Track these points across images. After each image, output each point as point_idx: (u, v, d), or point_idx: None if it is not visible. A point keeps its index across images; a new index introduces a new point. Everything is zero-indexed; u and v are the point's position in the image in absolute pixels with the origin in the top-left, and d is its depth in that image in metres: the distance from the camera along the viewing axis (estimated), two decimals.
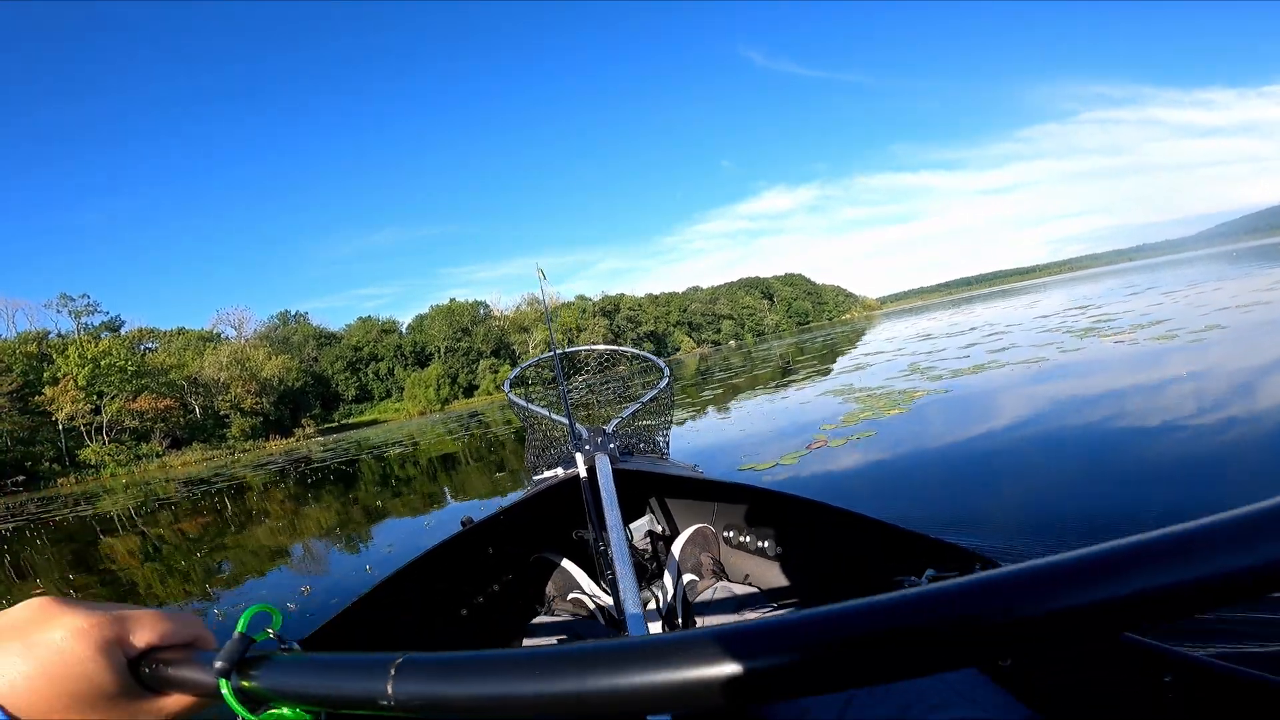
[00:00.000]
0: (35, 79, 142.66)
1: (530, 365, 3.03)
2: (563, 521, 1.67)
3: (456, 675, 0.32)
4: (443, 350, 73.04)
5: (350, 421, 66.62)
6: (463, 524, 1.53)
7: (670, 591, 1.46)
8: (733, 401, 9.15)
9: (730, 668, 0.26)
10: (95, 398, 46.23)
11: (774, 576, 1.47)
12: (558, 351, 2.45)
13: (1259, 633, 1.50)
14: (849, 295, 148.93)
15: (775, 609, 1.28)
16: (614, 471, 1.35)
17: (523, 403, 2.51)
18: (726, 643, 0.27)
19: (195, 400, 53.80)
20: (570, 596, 1.48)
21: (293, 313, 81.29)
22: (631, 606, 0.80)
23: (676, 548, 1.55)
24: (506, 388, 2.68)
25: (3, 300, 60.81)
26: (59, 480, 41.02)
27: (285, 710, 0.40)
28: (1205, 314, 7.78)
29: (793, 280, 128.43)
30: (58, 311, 60.62)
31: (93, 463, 44.45)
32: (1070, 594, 0.24)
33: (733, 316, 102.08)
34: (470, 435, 14.44)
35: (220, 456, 43.71)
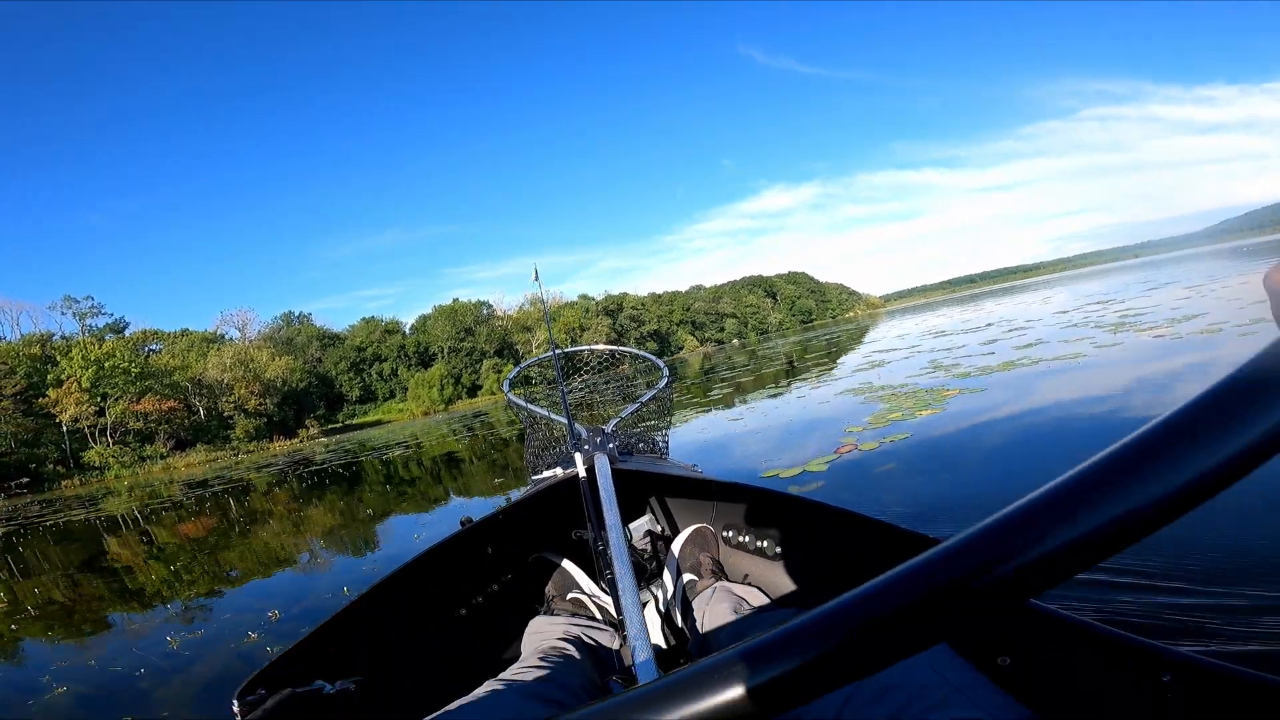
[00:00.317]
0: (41, 80, 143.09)
1: (530, 365, 3.00)
2: (562, 521, 1.66)
3: None
4: (446, 350, 72.91)
5: (354, 422, 66.50)
6: (462, 524, 1.50)
7: (669, 591, 1.47)
8: (743, 401, 8.82)
9: (716, 700, 0.27)
10: (99, 399, 46.18)
11: (773, 576, 1.46)
12: (557, 351, 2.44)
13: (1260, 633, 1.48)
14: (852, 293, 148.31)
15: (774, 608, 1.25)
16: (613, 471, 1.35)
17: (522, 402, 2.50)
18: (704, 680, 0.27)
19: (199, 401, 53.75)
20: (570, 596, 1.47)
21: (296, 314, 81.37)
22: (631, 606, 0.80)
23: (675, 547, 1.56)
24: (506, 387, 2.68)
25: (7, 302, 60.99)
26: (63, 482, 40.98)
27: None
28: (1242, 307, 7.41)
29: (796, 278, 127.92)
30: (62, 313, 60.80)
31: (97, 464, 44.42)
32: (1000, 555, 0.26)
33: (736, 315, 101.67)
34: (473, 436, 14.16)
35: (224, 458, 43.65)
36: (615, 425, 2.11)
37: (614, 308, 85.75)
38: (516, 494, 5.93)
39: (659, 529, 1.72)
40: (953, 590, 0.27)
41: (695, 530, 1.59)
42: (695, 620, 1.32)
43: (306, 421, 59.93)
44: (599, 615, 1.44)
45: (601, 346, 3.08)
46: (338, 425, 64.63)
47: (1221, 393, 0.25)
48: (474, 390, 70.02)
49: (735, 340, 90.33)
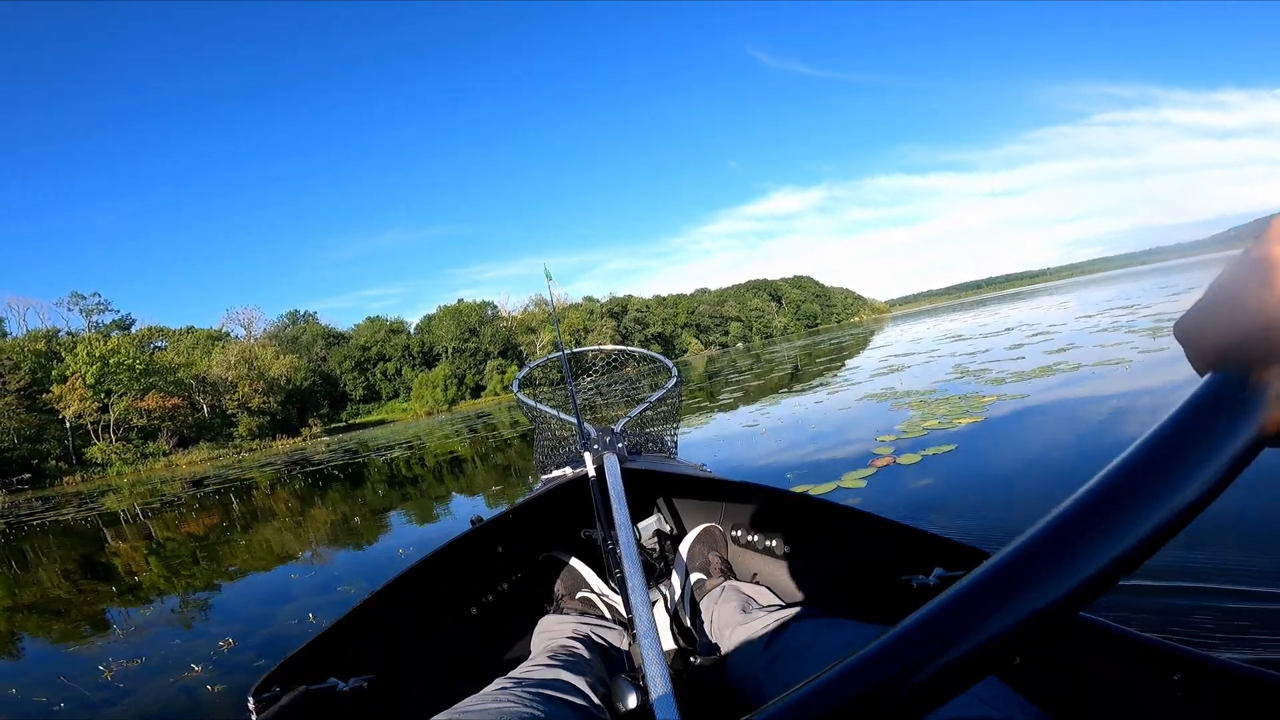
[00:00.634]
0: (52, 79, 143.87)
1: (538, 365, 2.98)
2: (571, 521, 1.63)
3: None
4: (450, 351, 72.75)
5: (358, 421, 66.35)
6: (472, 523, 1.47)
7: (678, 590, 1.47)
8: (756, 406, 8.42)
9: None
10: (103, 396, 46.09)
11: (782, 575, 1.46)
12: (565, 351, 2.43)
13: (1271, 632, 1.47)
14: (858, 298, 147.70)
15: (783, 608, 1.22)
16: (622, 470, 1.34)
17: (531, 402, 2.48)
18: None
19: (203, 399, 53.65)
20: (579, 595, 1.47)
21: (301, 312, 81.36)
22: (640, 605, 0.81)
23: (684, 547, 1.55)
24: (515, 387, 2.67)
25: (14, 299, 61.10)
26: (64, 479, 40.86)
27: None
28: None
29: (801, 282, 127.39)
30: (68, 310, 60.81)
31: (99, 461, 44.33)
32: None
33: (740, 319, 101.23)
34: (476, 436, 13.79)
35: (226, 456, 43.53)
36: (624, 425, 2.05)
37: (618, 310, 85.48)
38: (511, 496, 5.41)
39: (668, 528, 1.70)
40: (1015, 610, 0.26)
41: (704, 530, 1.58)
42: (704, 619, 1.32)
43: (310, 420, 59.77)
44: (608, 614, 1.44)
45: (609, 347, 3.05)
46: (341, 424, 64.48)
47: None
48: (477, 391, 69.83)
49: (739, 344, 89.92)
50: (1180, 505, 0.25)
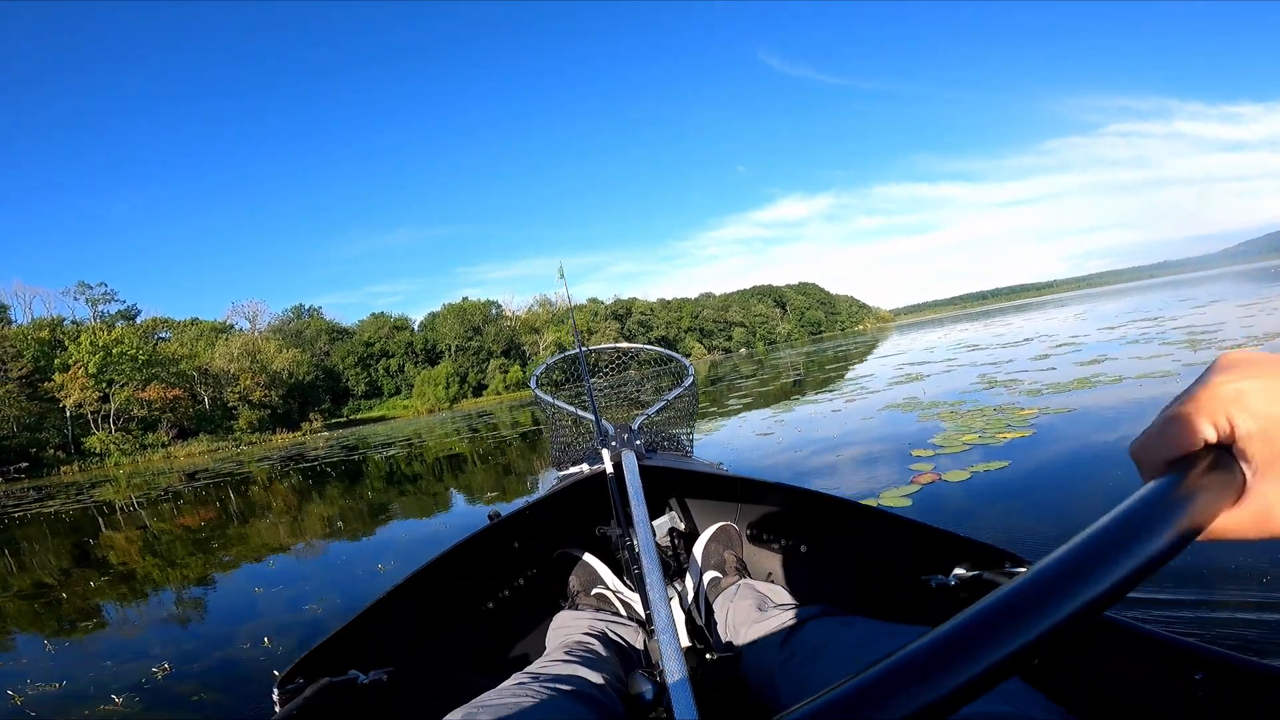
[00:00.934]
0: (68, 74, 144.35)
1: (556, 360, 2.96)
2: (587, 517, 1.62)
3: None
4: (453, 349, 72.52)
5: (359, 417, 66.13)
6: (490, 518, 1.46)
7: (693, 587, 1.47)
8: (768, 412, 8.02)
9: None
10: (105, 386, 45.88)
11: (797, 574, 1.46)
12: (583, 349, 2.43)
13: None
14: (862, 306, 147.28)
15: (798, 606, 1.21)
16: (640, 467, 1.33)
17: (549, 398, 2.44)
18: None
19: (204, 391, 53.42)
20: (594, 592, 1.47)
21: (306, 307, 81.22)
22: (658, 602, 0.81)
23: (699, 545, 1.54)
24: (533, 384, 2.66)
25: (21, 286, 60.99)
26: (62, 468, 40.67)
27: None
28: None
29: (806, 289, 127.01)
30: (74, 299, 60.81)
31: (97, 451, 44.12)
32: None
33: (745, 324, 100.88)
34: (477, 436, 13.40)
35: (225, 449, 43.31)
36: (641, 422, 2.01)
37: (623, 312, 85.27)
38: (501, 501, 5.23)
39: (683, 526, 1.69)
40: (1043, 615, 0.29)
41: (719, 527, 1.56)
42: (718, 617, 1.31)
43: (311, 415, 59.53)
44: (623, 611, 1.42)
45: (626, 345, 3.04)
46: (342, 420, 64.28)
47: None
48: (479, 390, 69.57)
49: (743, 350, 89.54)
50: (1132, 568, 0.29)
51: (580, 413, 2.27)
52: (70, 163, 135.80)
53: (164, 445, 46.20)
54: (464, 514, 5.23)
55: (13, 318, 56.20)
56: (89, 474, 34.24)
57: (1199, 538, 0.34)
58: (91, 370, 45.33)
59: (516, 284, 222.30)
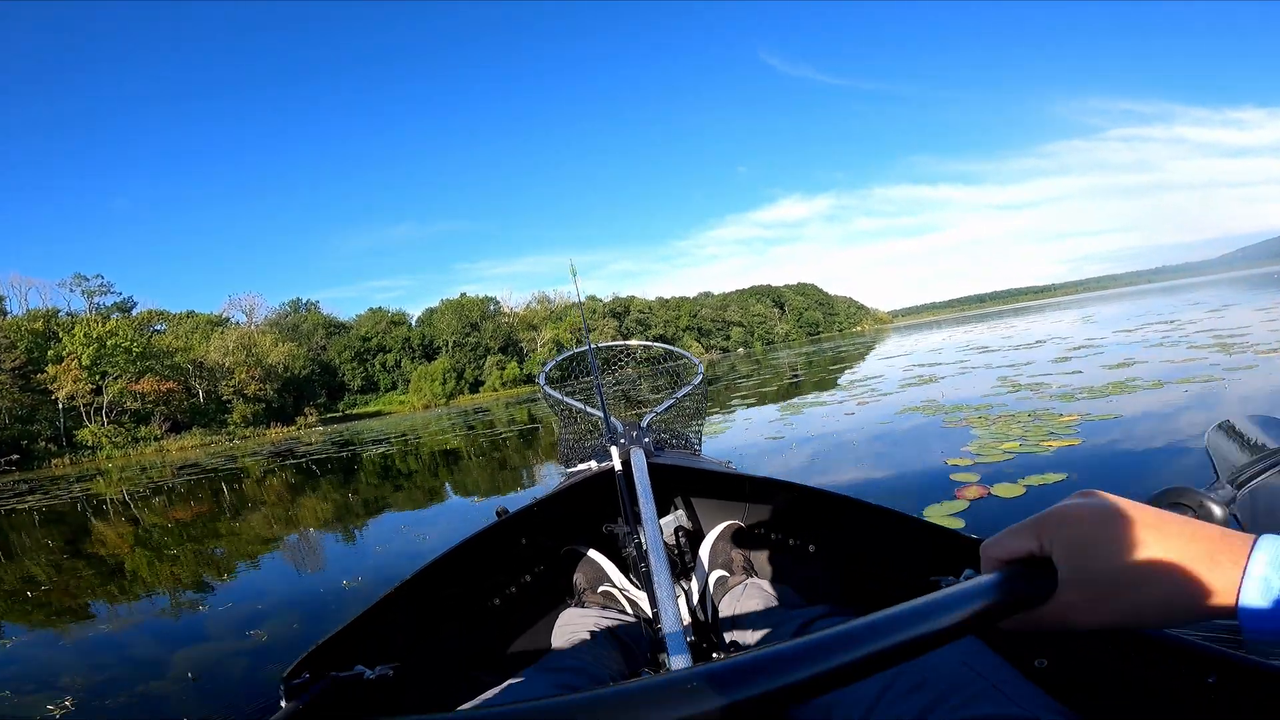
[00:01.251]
0: (68, 69, 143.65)
1: (564, 358, 2.87)
2: (594, 514, 1.60)
3: None
4: (450, 344, 72.10)
5: (354, 412, 65.73)
6: (498, 514, 1.46)
7: (699, 586, 1.45)
8: (776, 414, 7.64)
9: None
10: (98, 378, 45.42)
11: (806, 574, 1.43)
12: (592, 346, 2.42)
13: None
14: (860, 307, 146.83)
15: (806, 605, 1.23)
16: (649, 465, 1.34)
17: (559, 395, 2.42)
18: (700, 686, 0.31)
19: (199, 384, 52.95)
20: (600, 589, 1.45)
21: (304, 301, 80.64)
22: (666, 600, 0.81)
23: (706, 543, 1.52)
24: (541, 380, 2.60)
25: (17, 277, 60.47)
26: (53, 461, 40.23)
27: None
28: None
29: (804, 290, 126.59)
30: (70, 291, 60.29)
31: (89, 444, 43.70)
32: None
33: (743, 324, 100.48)
34: (473, 432, 13.01)
35: (219, 442, 42.92)
36: (650, 420, 2.04)
37: (621, 310, 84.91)
38: (502, 501, 4.87)
39: (690, 524, 1.67)
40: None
41: (726, 526, 1.54)
42: (725, 616, 1.31)
43: (305, 409, 59.05)
44: (629, 609, 1.41)
45: (635, 342, 3.00)
46: (337, 414, 63.87)
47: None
48: (476, 386, 69.18)
49: (740, 349, 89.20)
50: (950, 625, 0.35)
51: (589, 410, 2.24)
52: (70, 156, 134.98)
53: (156, 439, 45.78)
54: (454, 519, 4.84)
55: (8, 309, 55.71)
56: (80, 467, 33.87)
57: (1010, 620, 0.43)
58: (85, 362, 44.89)
59: (516, 280, 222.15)
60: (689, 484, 1.75)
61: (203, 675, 2.31)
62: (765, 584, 1.36)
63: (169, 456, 31.85)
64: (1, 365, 43.05)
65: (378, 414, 59.51)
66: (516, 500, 3.31)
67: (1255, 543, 0.41)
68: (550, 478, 5.70)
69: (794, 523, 1.51)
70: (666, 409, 2.23)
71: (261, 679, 2.21)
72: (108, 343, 46.33)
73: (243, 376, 54.14)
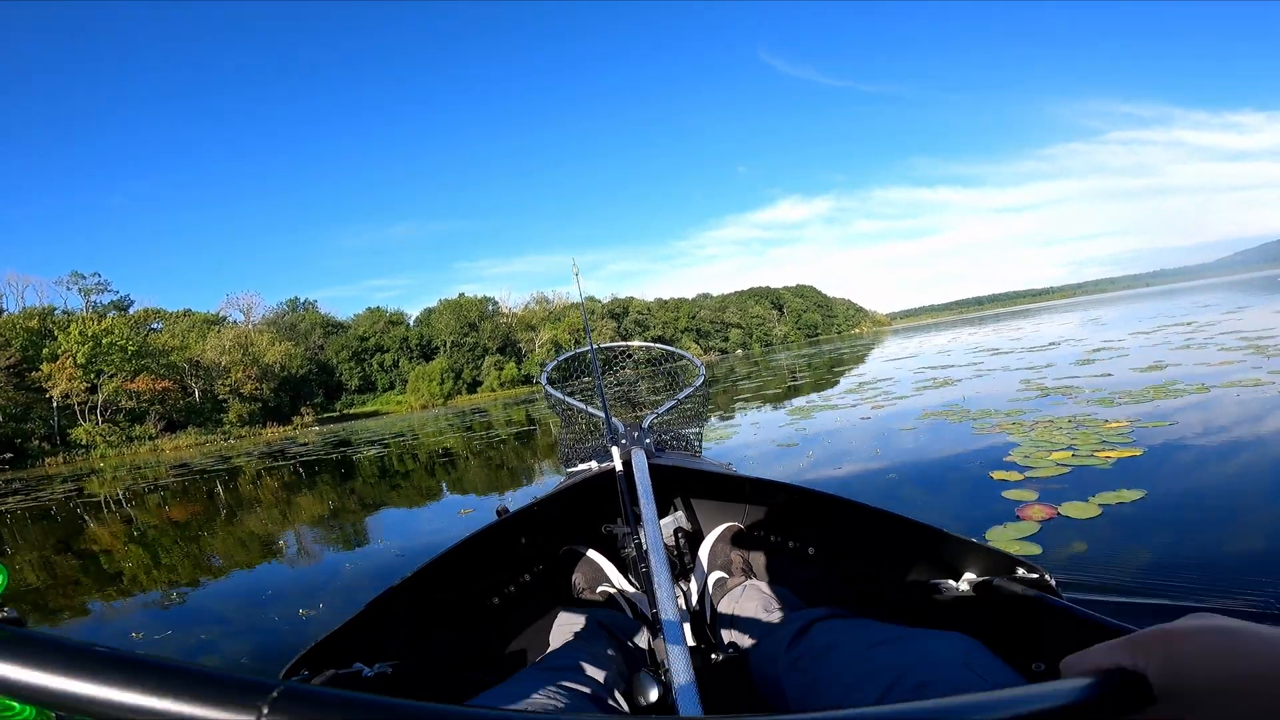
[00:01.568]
0: (63, 66, 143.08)
1: (566, 358, 2.88)
2: (594, 514, 1.60)
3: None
4: (449, 344, 71.70)
5: (352, 412, 65.34)
6: (498, 513, 1.44)
7: (698, 588, 1.45)
8: (784, 418, 7.29)
9: None
10: (93, 376, 45.01)
11: (805, 576, 1.43)
12: (593, 346, 2.37)
13: None
14: (859, 309, 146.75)
15: (805, 608, 1.21)
16: (650, 466, 1.32)
17: (560, 395, 2.34)
18: None
19: (195, 383, 52.53)
20: (599, 589, 1.46)
21: (302, 300, 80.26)
22: (665, 601, 0.82)
23: (706, 545, 1.52)
24: (543, 379, 2.55)
25: (14, 275, 60.11)
26: (47, 460, 39.81)
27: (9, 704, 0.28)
28: None
29: (803, 292, 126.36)
30: (67, 289, 59.99)
31: (83, 443, 43.31)
32: None
33: (741, 325, 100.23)
34: (471, 434, 12.64)
35: (214, 442, 42.53)
36: (651, 421, 2.00)
37: (619, 311, 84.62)
38: (496, 504, 4.56)
39: (689, 526, 1.67)
40: None
41: (726, 528, 1.55)
42: (724, 618, 1.31)
43: (302, 409, 58.64)
44: (628, 609, 1.41)
45: (637, 343, 2.97)
46: (334, 414, 63.48)
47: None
48: (474, 386, 68.80)
49: (739, 351, 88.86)
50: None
51: (590, 410, 2.21)
52: (68, 154, 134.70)
53: (151, 438, 45.41)
54: (439, 531, 4.48)
55: (4, 307, 55.29)
56: (73, 466, 33.44)
57: None
58: (80, 360, 44.50)
59: (516, 280, 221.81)
60: (689, 485, 1.73)
61: None
62: (764, 586, 1.35)
63: (163, 456, 31.44)
64: None
65: (375, 414, 59.09)
66: (514, 503, 2.96)
67: None
68: (550, 481, 5.36)
69: (793, 525, 1.49)
70: (668, 410, 2.19)
71: None
72: (103, 341, 45.94)
73: (239, 376, 53.76)
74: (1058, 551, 2.16)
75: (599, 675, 1.03)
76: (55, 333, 47.36)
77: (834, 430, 5.74)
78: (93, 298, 60.81)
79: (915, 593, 1.10)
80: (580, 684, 0.99)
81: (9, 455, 39.01)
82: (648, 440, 1.67)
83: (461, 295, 78.11)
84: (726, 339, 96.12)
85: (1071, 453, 3.33)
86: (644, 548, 1.04)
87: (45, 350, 45.41)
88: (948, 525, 2.33)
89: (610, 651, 1.16)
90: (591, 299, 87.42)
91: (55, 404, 44.28)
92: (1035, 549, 2.18)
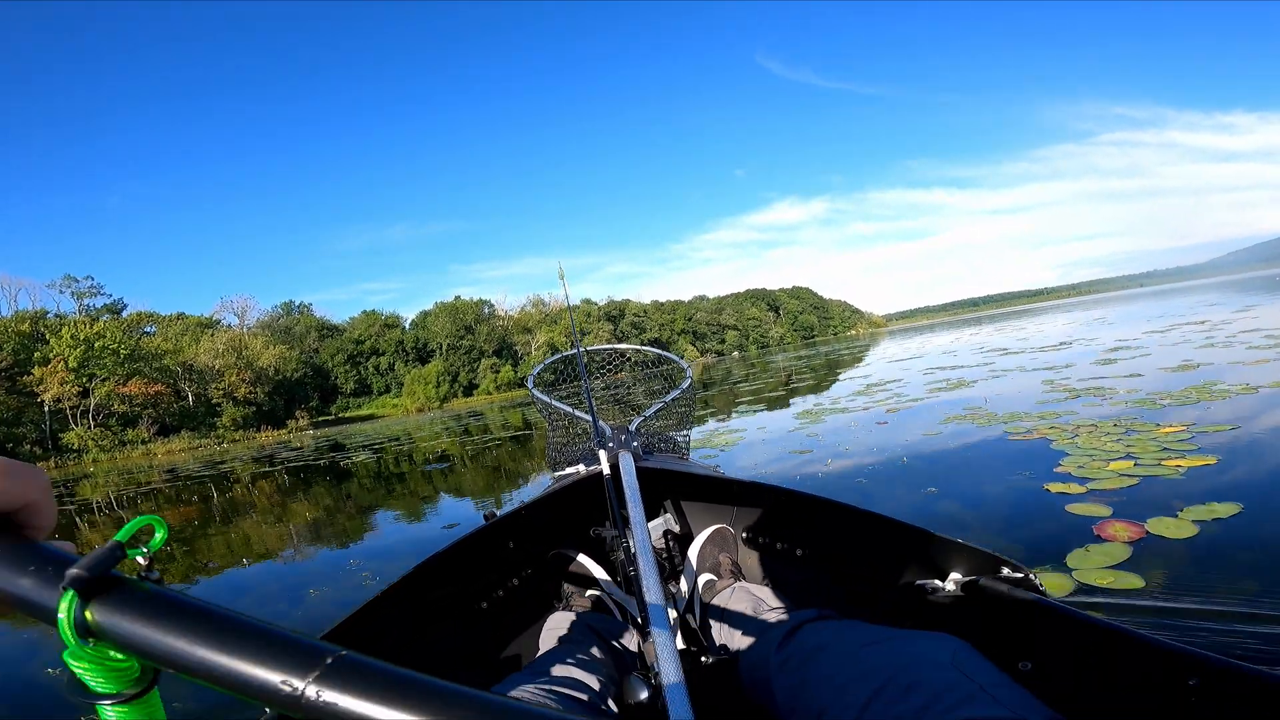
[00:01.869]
0: (64, 66, 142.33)
1: (553, 361, 2.81)
2: (583, 518, 1.60)
3: (394, 692, 0.27)
4: (444, 347, 71.25)
5: (347, 415, 64.83)
6: (486, 518, 1.44)
7: (688, 590, 1.45)
8: (794, 421, 6.95)
9: None
10: (85, 380, 44.53)
11: (794, 577, 1.44)
12: (581, 349, 2.38)
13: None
14: (855, 311, 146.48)
15: (793, 609, 1.22)
16: (637, 469, 1.34)
17: (546, 398, 2.36)
18: None
19: (188, 387, 52.03)
20: (589, 593, 1.46)
21: (296, 303, 79.71)
22: (654, 604, 0.82)
23: (695, 547, 1.51)
24: (530, 383, 2.56)
25: (6, 279, 59.40)
26: (38, 464, 39.13)
27: (118, 659, 0.30)
28: None
29: (799, 293, 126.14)
30: (60, 292, 59.38)
31: (75, 447, 42.86)
32: None
33: (738, 327, 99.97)
34: (468, 437, 12.29)
35: (207, 446, 42.07)
36: (639, 424, 2.02)
37: (616, 313, 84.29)
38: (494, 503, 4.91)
39: (678, 528, 1.67)
40: None
41: (715, 530, 1.53)
42: (714, 620, 1.31)
43: (297, 413, 58.14)
44: (618, 613, 1.41)
45: (624, 346, 2.97)
46: (330, 418, 62.98)
47: None
48: (470, 389, 68.38)
49: (735, 353, 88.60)
50: None
51: (577, 413, 2.21)
52: (60, 155, 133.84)
53: (144, 442, 44.95)
54: (418, 550, 4.15)
55: None
56: (65, 470, 32.96)
57: None
58: (72, 364, 44.04)
59: (512, 283, 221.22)
60: (677, 488, 1.72)
61: None
62: (753, 587, 1.34)
63: (156, 460, 30.99)
64: None
65: (371, 417, 58.61)
66: (507, 507, 2.62)
67: None
68: (545, 483, 5.02)
69: (782, 526, 1.48)
70: (655, 413, 2.19)
71: None
72: (95, 345, 45.49)
73: (233, 379, 53.28)
74: (1160, 577, 1.83)
75: (589, 678, 1.03)
76: (47, 336, 46.90)
77: (850, 435, 5.40)
78: (85, 301, 60.32)
79: (903, 593, 1.09)
80: (570, 687, 0.99)
81: None
82: (635, 443, 1.66)
83: (457, 298, 77.71)
84: (723, 341, 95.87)
85: (1133, 462, 3.00)
86: (632, 551, 1.03)
87: (37, 354, 44.94)
88: (1012, 549, 2.02)
89: (600, 654, 1.15)
90: (588, 302, 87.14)
91: (47, 408, 43.80)
92: (1135, 580, 1.83)
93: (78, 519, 9.05)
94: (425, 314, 77.57)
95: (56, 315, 54.75)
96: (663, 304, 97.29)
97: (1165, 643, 0.72)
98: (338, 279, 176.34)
